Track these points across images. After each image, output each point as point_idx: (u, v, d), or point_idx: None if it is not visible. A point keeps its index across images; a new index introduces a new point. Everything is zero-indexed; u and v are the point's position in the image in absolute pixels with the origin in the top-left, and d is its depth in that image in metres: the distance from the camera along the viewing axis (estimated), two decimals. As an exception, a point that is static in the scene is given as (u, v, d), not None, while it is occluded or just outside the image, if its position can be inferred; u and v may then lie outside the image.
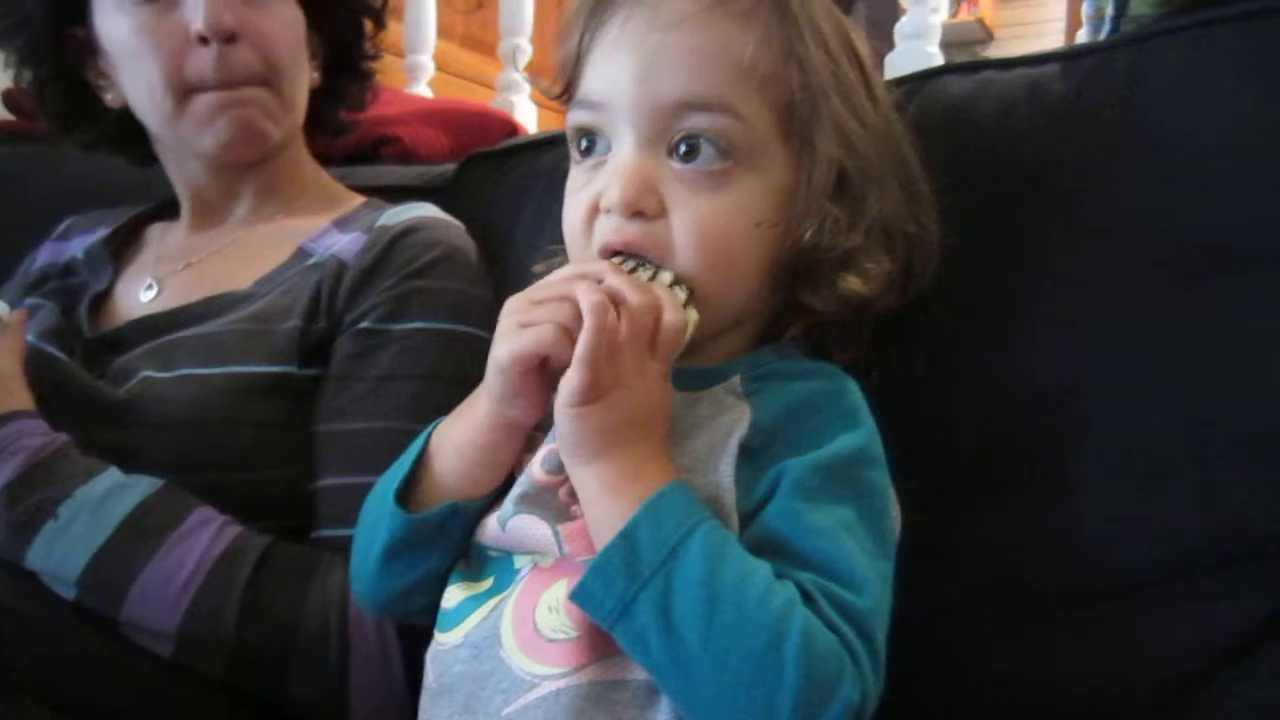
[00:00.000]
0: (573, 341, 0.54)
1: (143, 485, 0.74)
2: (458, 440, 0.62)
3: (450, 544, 0.62)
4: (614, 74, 0.59)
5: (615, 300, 0.54)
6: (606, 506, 0.54)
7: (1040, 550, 0.70)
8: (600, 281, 0.56)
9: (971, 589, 0.71)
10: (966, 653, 0.71)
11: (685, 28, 0.57)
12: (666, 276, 0.58)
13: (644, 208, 0.58)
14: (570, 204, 0.62)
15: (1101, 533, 0.68)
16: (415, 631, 0.66)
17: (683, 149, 0.58)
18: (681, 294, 0.57)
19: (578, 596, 0.53)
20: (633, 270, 0.58)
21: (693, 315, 0.58)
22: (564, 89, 0.64)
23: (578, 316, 0.54)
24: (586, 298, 0.54)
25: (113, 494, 0.73)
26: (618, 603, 0.51)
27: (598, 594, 0.52)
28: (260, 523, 0.77)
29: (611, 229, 0.58)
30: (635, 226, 0.58)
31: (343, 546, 0.74)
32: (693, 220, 0.58)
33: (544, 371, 0.57)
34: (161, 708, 0.71)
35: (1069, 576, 0.69)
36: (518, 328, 0.56)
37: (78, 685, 0.67)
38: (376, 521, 0.63)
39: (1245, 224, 0.67)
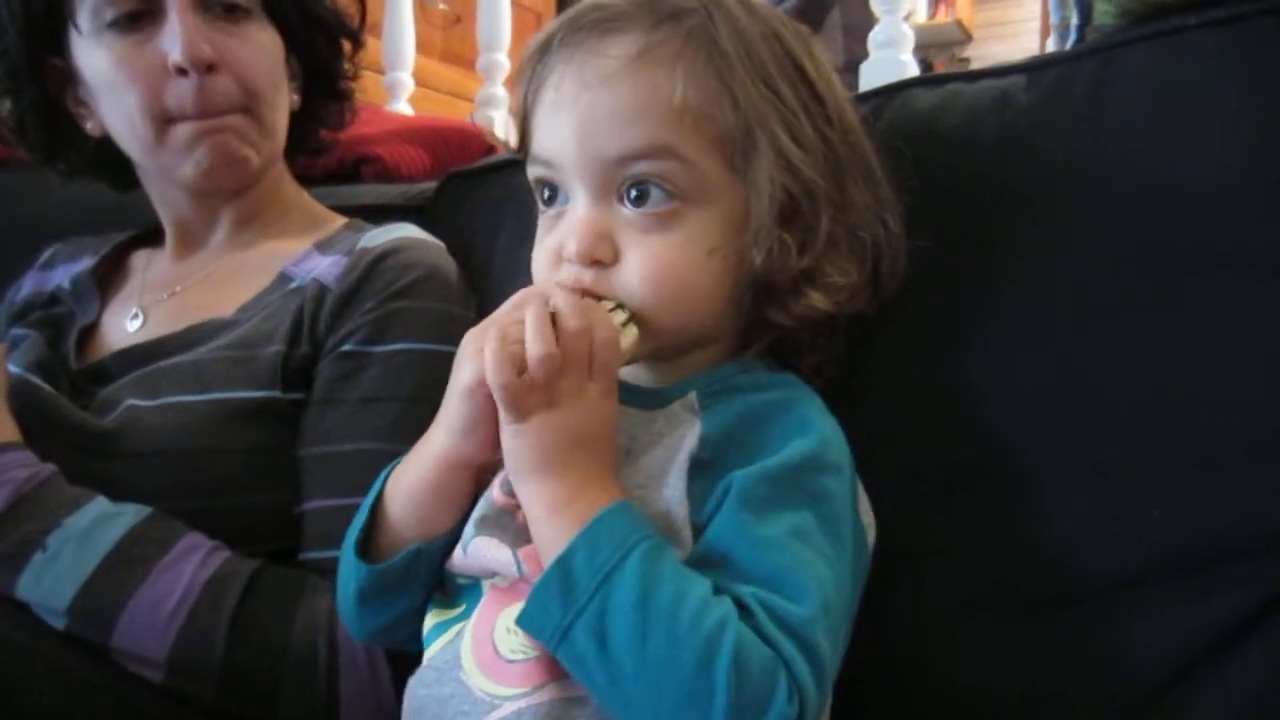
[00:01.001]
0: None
1: (130, 514, 0.74)
2: (408, 486, 0.63)
3: (420, 583, 0.63)
4: (556, 134, 0.61)
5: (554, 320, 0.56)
6: (548, 528, 0.55)
7: (1021, 554, 0.70)
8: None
9: (953, 594, 0.72)
10: (948, 658, 0.71)
11: (614, 83, 0.59)
12: (607, 301, 0.60)
13: (600, 256, 0.60)
14: (537, 251, 0.64)
15: (1082, 535, 0.69)
16: (405, 653, 0.67)
17: (633, 194, 0.59)
18: (622, 315, 0.59)
19: (522, 621, 0.54)
20: None
21: (631, 332, 0.59)
22: (519, 144, 0.66)
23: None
24: (532, 313, 0.55)
25: (100, 523, 0.73)
26: (556, 628, 0.52)
27: (538, 619, 0.53)
28: (248, 547, 0.77)
29: (572, 279, 0.60)
30: (592, 274, 0.60)
31: (329, 569, 0.74)
32: (646, 259, 0.59)
33: None
34: (154, 734, 0.72)
35: (1050, 580, 0.69)
36: (480, 352, 0.57)
37: (69, 714, 0.67)
38: (347, 566, 0.65)
39: (1215, 228, 0.68)
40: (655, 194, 0.59)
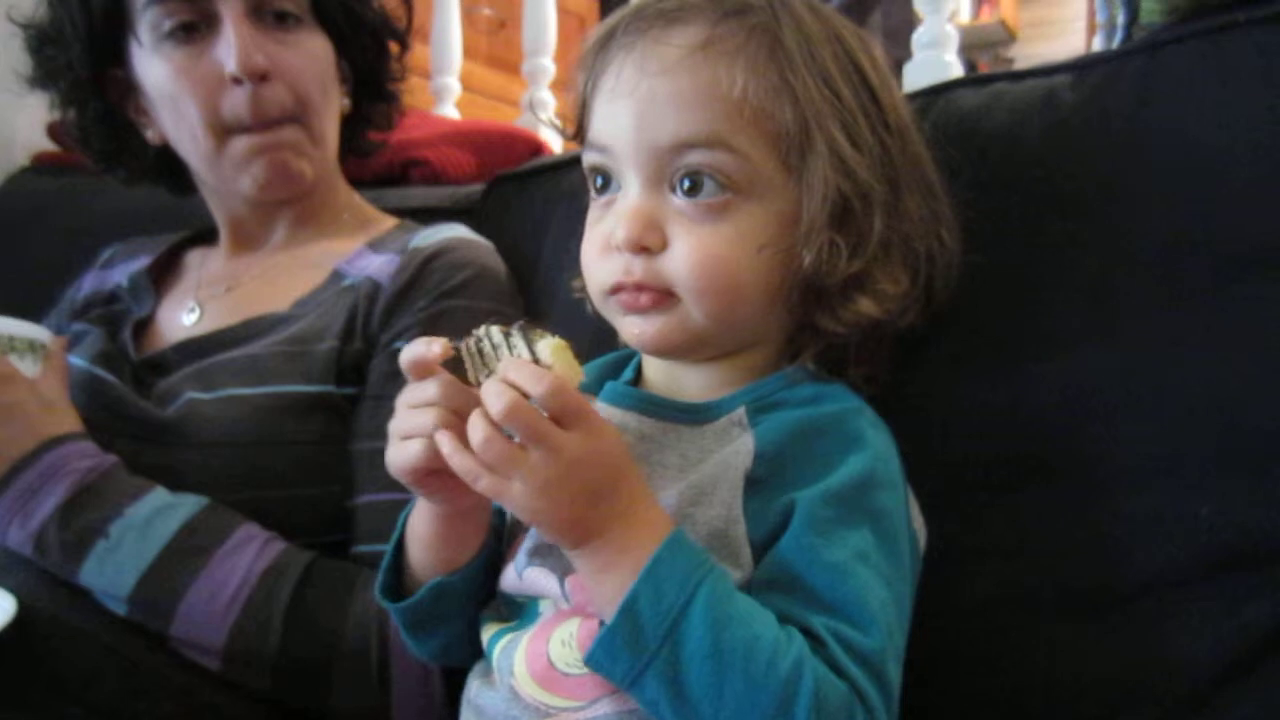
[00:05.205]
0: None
1: (188, 504, 0.77)
2: (420, 534, 0.64)
3: (454, 612, 0.64)
4: (614, 120, 0.61)
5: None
6: (603, 584, 0.54)
7: (1070, 553, 0.70)
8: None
9: (1003, 592, 0.72)
10: (998, 654, 0.71)
11: (675, 72, 0.59)
12: (517, 343, 0.55)
13: (648, 244, 0.59)
14: (587, 237, 0.64)
15: (1131, 534, 0.68)
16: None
17: (685, 185, 0.59)
18: (547, 343, 0.54)
19: (589, 663, 0.53)
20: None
21: (574, 365, 0.54)
22: (576, 130, 0.66)
23: (445, 421, 0.54)
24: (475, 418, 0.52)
25: (160, 514, 0.75)
26: (626, 675, 0.52)
27: (606, 666, 0.52)
28: (301, 538, 0.79)
29: (621, 269, 0.61)
30: (640, 262, 0.60)
31: (380, 562, 0.76)
32: (694, 248, 0.59)
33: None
34: (209, 720, 0.74)
35: (1099, 577, 0.69)
36: (400, 439, 0.57)
37: (127, 698, 0.70)
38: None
39: (1263, 227, 0.68)
40: (708, 185, 0.59)
